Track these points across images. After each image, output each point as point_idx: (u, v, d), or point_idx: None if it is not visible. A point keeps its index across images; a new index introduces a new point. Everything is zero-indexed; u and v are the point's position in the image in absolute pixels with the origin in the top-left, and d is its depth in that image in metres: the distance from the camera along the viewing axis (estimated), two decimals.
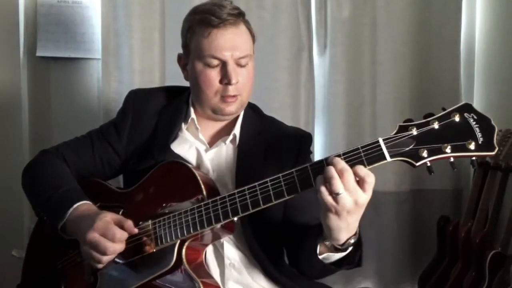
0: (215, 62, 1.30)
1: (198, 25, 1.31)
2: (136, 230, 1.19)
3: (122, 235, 1.15)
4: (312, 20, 2.26)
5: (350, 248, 1.10)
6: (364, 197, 1.00)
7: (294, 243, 1.29)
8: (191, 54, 1.34)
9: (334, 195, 0.98)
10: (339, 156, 1.02)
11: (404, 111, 2.32)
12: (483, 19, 2.41)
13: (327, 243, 1.11)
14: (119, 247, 1.16)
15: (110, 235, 1.14)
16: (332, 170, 0.98)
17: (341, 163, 0.99)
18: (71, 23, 2.10)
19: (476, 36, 2.43)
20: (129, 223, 1.18)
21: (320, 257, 1.13)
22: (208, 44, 1.29)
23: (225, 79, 1.30)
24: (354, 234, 1.07)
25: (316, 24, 2.27)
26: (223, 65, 1.30)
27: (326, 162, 1.03)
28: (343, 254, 1.12)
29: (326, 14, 2.26)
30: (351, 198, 0.98)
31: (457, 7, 2.35)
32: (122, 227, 1.17)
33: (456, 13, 2.35)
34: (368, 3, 2.27)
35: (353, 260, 1.14)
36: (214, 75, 1.30)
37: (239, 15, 1.31)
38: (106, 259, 1.16)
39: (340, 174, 0.98)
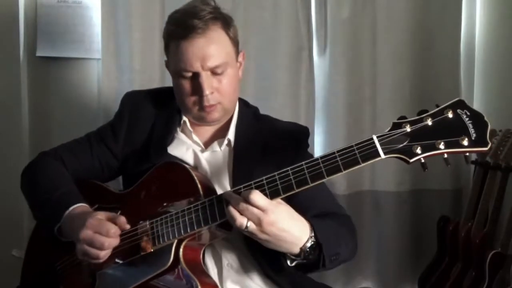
0: (188, 74, 1.28)
1: (169, 37, 1.30)
2: (128, 226, 1.19)
3: (116, 229, 1.16)
4: (312, 20, 2.25)
5: (296, 258, 1.15)
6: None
7: None
8: (169, 64, 1.34)
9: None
10: (333, 154, 1.06)
11: (404, 111, 2.25)
12: (483, 19, 2.40)
13: None
14: (115, 241, 1.16)
15: (104, 231, 1.15)
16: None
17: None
18: (71, 23, 2.10)
19: (476, 36, 2.42)
20: (122, 219, 1.18)
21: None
22: (179, 57, 1.27)
23: (198, 90, 1.28)
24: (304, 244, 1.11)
25: (316, 24, 2.27)
26: (195, 76, 1.27)
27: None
28: (297, 261, 1.16)
29: (326, 14, 2.25)
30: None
31: (457, 7, 2.34)
32: (114, 223, 1.17)
33: (456, 13, 2.34)
34: (368, 3, 2.27)
35: (316, 265, 1.16)
36: (188, 86, 1.29)
37: (211, 20, 1.26)
38: (103, 254, 1.17)
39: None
